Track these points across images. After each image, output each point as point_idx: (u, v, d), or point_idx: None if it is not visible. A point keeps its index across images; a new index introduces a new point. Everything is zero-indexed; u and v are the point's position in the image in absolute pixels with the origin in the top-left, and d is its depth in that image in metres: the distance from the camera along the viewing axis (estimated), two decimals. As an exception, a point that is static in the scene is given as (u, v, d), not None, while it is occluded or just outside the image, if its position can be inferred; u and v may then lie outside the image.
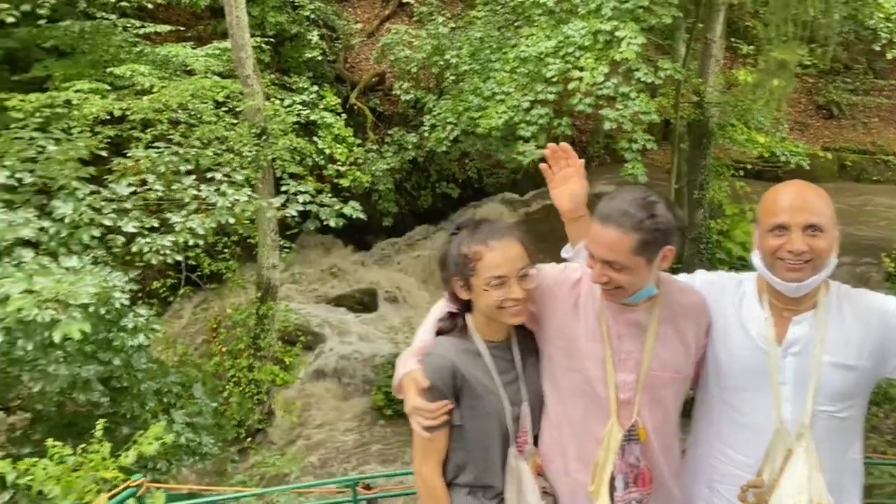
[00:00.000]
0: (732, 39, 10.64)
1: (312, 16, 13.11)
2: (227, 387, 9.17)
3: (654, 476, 2.17)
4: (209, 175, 6.07)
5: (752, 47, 10.81)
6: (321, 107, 11.42)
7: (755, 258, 2.15)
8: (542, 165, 2.45)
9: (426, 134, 11.03)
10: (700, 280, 2.33)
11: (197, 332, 11.33)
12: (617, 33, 7.26)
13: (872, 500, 5.24)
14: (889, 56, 9.39)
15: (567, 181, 2.42)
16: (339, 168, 11.08)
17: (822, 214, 2.01)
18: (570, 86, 7.49)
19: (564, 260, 2.48)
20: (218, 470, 6.79)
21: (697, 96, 9.70)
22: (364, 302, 13.03)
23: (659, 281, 2.16)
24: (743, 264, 10.64)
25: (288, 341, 10.86)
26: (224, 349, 9.73)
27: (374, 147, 12.96)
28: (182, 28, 11.63)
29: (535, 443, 2.25)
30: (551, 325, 2.21)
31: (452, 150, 12.25)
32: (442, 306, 2.34)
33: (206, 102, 9.00)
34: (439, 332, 2.25)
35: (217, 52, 10.28)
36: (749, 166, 11.90)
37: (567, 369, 2.18)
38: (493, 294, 2.08)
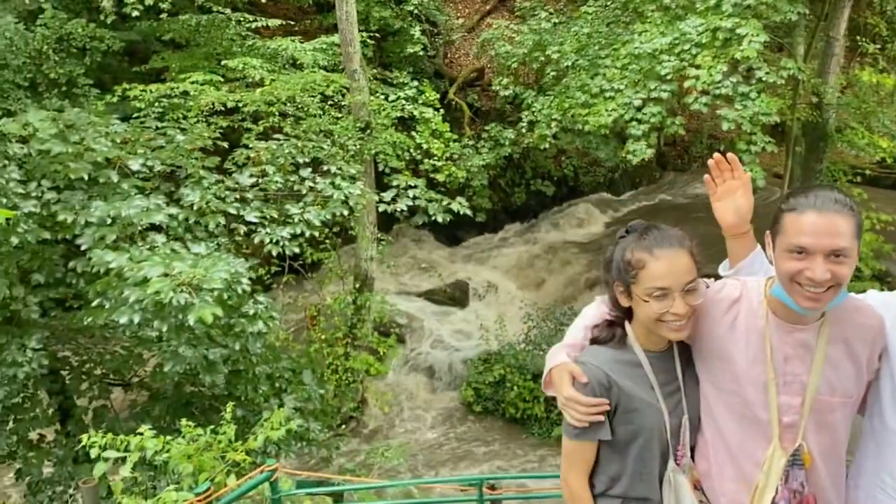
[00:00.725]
0: (858, 38, 10.07)
1: (415, 11, 13.21)
2: (326, 374, 9.36)
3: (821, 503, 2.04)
4: (324, 168, 6.18)
5: (876, 46, 10.22)
6: (420, 102, 11.50)
7: None
8: (706, 177, 2.33)
9: (524, 130, 10.93)
10: (871, 300, 2.12)
11: (295, 319, 11.62)
12: (738, 31, 6.97)
13: None
14: None
15: (732, 194, 2.28)
16: (435, 163, 11.12)
17: None
18: (686, 84, 7.24)
19: (716, 276, 2.35)
20: (322, 456, 6.94)
21: (816, 97, 9.23)
22: (455, 297, 13.07)
23: None
24: (856, 275, 10.08)
25: (382, 332, 11.01)
26: (322, 337, 9.95)
27: (470, 143, 12.95)
28: (290, 22, 11.91)
29: (692, 454, 2.15)
30: (705, 344, 2.09)
31: (550, 147, 12.12)
32: (594, 310, 2.25)
33: (313, 96, 9.21)
34: (594, 341, 2.16)
35: (324, 46, 10.48)
36: (868, 172, 11.26)
37: (722, 391, 2.06)
38: (653, 306, 1.98)
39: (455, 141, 11.98)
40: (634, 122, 7.56)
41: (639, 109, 7.55)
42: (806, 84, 8.93)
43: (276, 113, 8.66)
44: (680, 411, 2.09)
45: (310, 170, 5.91)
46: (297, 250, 5.34)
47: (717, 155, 2.31)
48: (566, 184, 15.07)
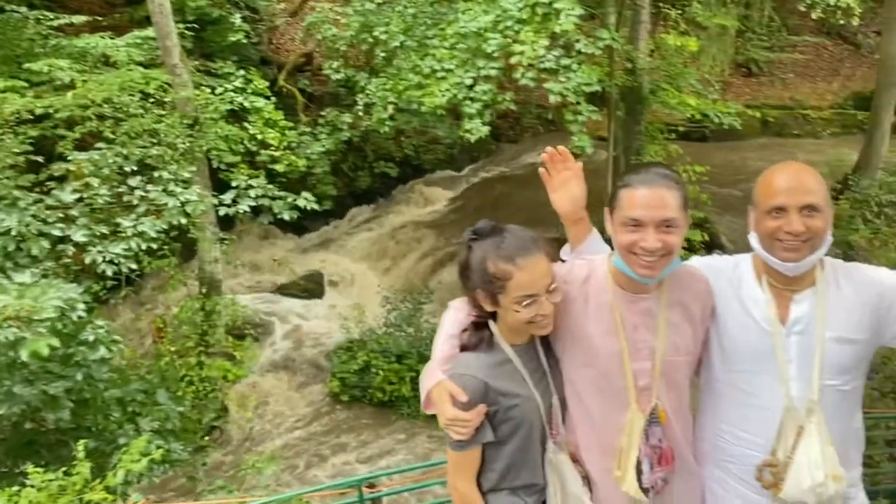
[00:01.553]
0: (660, 4, 10.84)
1: (233, -3, 12.67)
2: (181, 388, 8.93)
3: (676, 454, 2.23)
4: (155, 174, 5.81)
5: (677, 10, 11.05)
6: (250, 91, 11.08)
7: (752, 240, 2.17)
8: (541, 171, 2.41)
9: (360, 113, 10.85)
10: (697, 266, 2.32)
11: (139, 332, 10.97)
12: (555, 5, 7.28)
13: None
14: (814, 16, 9.73)
15: (566, 184, 2.38)
16: (273, 153, 10.80)
17: (817, 194, 2.05)
18: (512, 60, 7.48)
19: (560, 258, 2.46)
20: (188, 475, 6.63)
21: (630, 63, 9.86)
22: (309, 288, 12.86)
23: None
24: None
25: (236, 335, 10.64)
26: (172, 349, 9.46)
27: (307, 129, 12.68)
28: (98, 18, 11.04)
29: None
30: (563, 325, 2.19)
31: (389, 129, 12.14)
32: (453, 316, 2.28)
33: (132, 95, 8.62)
34: (464, 348, 2.19)
35: (139, 41, 9.81)
36: (681, 128, 12.22)
37: (582, 366, 2.18)
38: (523, 313, 2.05)
39: (291, 129, 11.68)
40: (468, 101, 7.72)
41: (470, 88, 7.72)
42: (620, 51, 9.51)
43: (93, 116, 8.03)
44: (549, 394, 2.19)
45: (139, 178, 5.54)
46: (133, 266, 5.00)
47: (549, 149, 2.41)
48: (409, 164, 15.18)
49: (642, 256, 2.03)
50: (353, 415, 10.27)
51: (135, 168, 5.78)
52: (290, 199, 6.43)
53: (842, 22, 10.37)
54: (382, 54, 10.58)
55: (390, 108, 9.13)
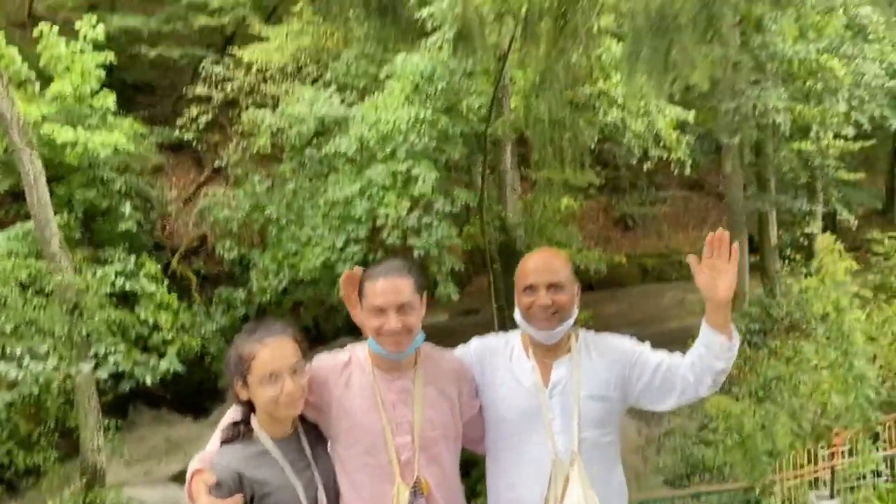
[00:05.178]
0: (522, 168, 11.83)
1: (123, 188, 13.03)
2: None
3: None
4: (7, 350, 5.74)
5: (542, 173, 12.05)
6: (142, 275, 11.20)
7: (517, 315, 2.49)
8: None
9: (254, 289, 11.08)
10: (475, 345, 2.63)
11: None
12: (413, 172, 7.95)
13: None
14: (645, 168, 10.80)
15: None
16: (165, 336, 10.76)
17: (561, 274, 2.43)
18: (378, 222, 8.00)
19: None
20: None
21: (500, 221, 10.58)
22: (208, 472, 12.26)
23: (419, 349, 2.44)
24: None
25: (125, 530, 9.93)
26: (48, 551, 8.74)
27: (202, 309, 12.73)
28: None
29: None
30: (330, 409, 2.37)
31: (284, 301, 12.32)
32: (230, 413, 2.40)
33: (8, 285, 8.64)
34: (224, 442, 2.29)
35: (20, 234, 9.99)
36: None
37: (349, 447, 2.35)
38: (267, 390, 2.18)
39: (186, 309, 11.72)
40: (340, 263, 8.11)
41: (342, 250, 8.13)
42: (489, 211, 10.24)
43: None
44: (314, 484, 2.29)
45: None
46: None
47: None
48: (308, 333, 15.14)
49: (388, 336, 2.30)
50: None
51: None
52: (151, 364, 6.38)
53: (687, 173, 11.53)
54: (274, 230, 11.04)
55: (271, 276, 9.40)
